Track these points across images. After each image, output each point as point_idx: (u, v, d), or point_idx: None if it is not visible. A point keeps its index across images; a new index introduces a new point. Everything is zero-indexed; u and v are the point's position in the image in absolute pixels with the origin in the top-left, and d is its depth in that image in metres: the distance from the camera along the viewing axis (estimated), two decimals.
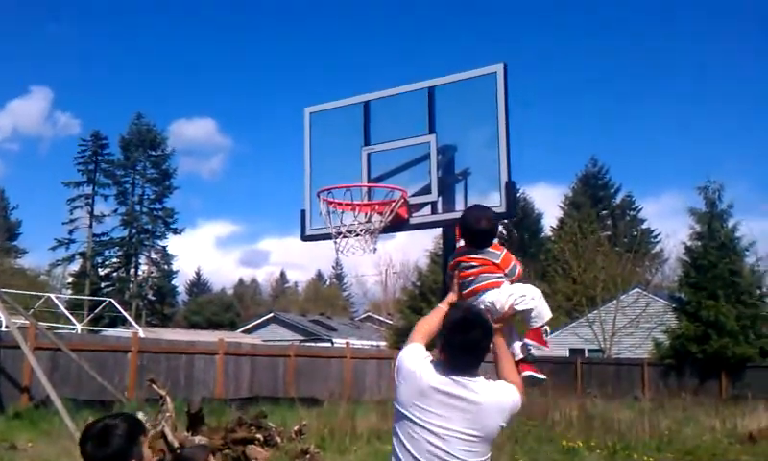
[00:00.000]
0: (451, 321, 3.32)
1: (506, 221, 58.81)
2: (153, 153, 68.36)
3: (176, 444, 9.96)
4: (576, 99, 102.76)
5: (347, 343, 29.54)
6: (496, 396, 3.29)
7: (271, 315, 47.60)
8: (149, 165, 68.44)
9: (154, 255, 68.39)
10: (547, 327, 3.94)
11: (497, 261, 3.87)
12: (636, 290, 38.93)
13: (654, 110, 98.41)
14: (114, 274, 68.21)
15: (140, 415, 10.66)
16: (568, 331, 39.54)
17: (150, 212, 68.26)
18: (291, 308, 62.48)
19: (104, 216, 67.48)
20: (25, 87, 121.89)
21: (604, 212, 64.23)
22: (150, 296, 67.68)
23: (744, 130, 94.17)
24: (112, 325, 44.49)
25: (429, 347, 3.51)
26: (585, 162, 69.17)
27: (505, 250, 3.95)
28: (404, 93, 5.50)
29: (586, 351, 37.33)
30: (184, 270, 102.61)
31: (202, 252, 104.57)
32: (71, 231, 66.17)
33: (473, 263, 3.87)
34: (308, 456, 11.45)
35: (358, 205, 5.18)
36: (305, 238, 5.79)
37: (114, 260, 68.34)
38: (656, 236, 60.03)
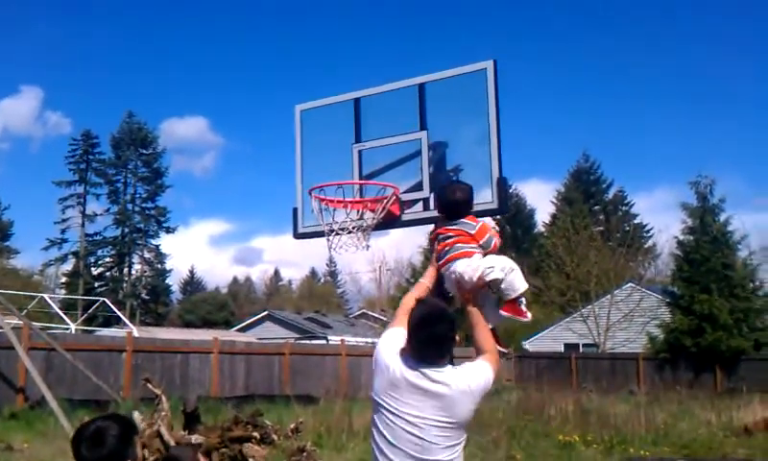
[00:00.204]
0: (417, 316, 3.40)
1: (498, 217, 59.00)
2: (144, 151, 68.22)
3: (172, 443, 9.95)
4: (567, 94, 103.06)
5: (341, 340, 29.54)
6: (464, 382, 3.34)
7: (265, 313, 47.55)
8: (140, 164, 68.33)
9: (147, 255, 68.32)
10: (524, 299, 4.01)
11: (472, 232, 4.01)
12: (630, 285, 39.04)
13: (645, 106, 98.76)
14: (108, 273, 68.07)
15: (136, 414, 10.66)
16: (562, 326, 39.67)
17: (142, 211, 68.13)
18: (285, 306, 62.41)
19: (96, 215, 67.41)
20: (15, 87, 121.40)
21: (596, 207, 64.37)
22: (144, 295, 67.58)
23: (735, 124, 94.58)
24: (106, 324, 44.38)
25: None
26: (576, 158, 69.26)
27: (481, 222, 4.09)
28: (395, 90, 5.49)
29: (580, 346, 37.45)
30: (178, 269, 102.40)
31: (195, 250, 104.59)
32: (63, 231, 66.08)
33: (450, 234, 4.03)
34: (305, 454, 11.45)
35: (350, 202, 5.17)
36: (298, 236, 5.78)
37: (107, 260, 68.24)
38: (648, 231, 60.21)
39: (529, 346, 39.30)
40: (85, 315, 43.14)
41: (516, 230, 66.98)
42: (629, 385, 27.86)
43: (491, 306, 4.00)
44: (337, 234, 5.15)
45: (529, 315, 4.04)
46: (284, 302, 72.49)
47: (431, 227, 4.79)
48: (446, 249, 4.02)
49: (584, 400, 19.05)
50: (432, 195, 5.15)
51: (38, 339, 17.07)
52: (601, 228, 52.33)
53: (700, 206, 33.10)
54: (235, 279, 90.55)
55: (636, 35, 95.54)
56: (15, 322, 18.71)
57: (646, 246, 55.08)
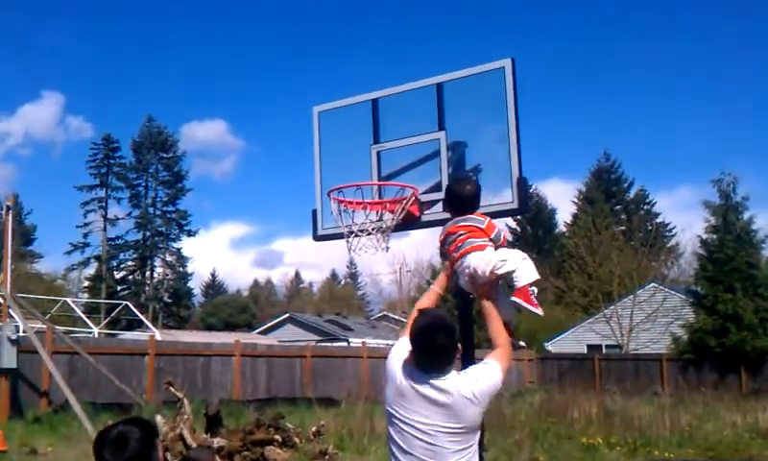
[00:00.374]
0: (417, 328, 3.45)
1: (519, 217, 58.80)
2: (164, 155, 68.69)
3: (194, 446, 9.99)
4: (587, 93, 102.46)
5: (363, 342, 29.56)
6: (469, 389, 3.36)
7: (286, 316, 47.63)
8: (161, 168, 68.83)
9: (168, 258, 68.78)
10: (534, 289, 4.02)
11: (482, 227, 4.07)
12: (653, 285, 38.75)
13: (666, 103, 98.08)
14: (130, 277, 68.65)
15: (158, 418, 10.72)
16: (585, 327, 39.42)
17: (163, 215, 68.62)
18: (306, 309, 62.54)
19: (117, 219, 68.00)
20: (37, 92, 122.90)
21: (618, 207, 63.99)
22: (166, 298, 68.01)
23: (758, 121, 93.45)
24: (129, 328, 44.64)
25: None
26: (597, 157, 68.88)
27: (489, 218, 4.16)
28: (413, 90, 5.45)
29: (603, 348, 37.20)
30: (199, 272, 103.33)
31: (216, 253, 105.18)
32: (86, 235, 66.59)
33: (461, 232, 4.08)
34: (327, 457, 11.45)
35: (369, 203, 5.14)
36: (317, 238, 5.76)
37: (129, 263, 68.85)
38: (671, 230, 59.79)
39: (551, 347, 39.10)
40: (108, 319, 43.42)
41: (536, 231, 66.79)
42: (653, 386, 27.59)
43: (504, 301, 4.03)
44: (356, 236, 5.11)
45: (540, 310, 4.02)
46: (305, 304, 72.66)
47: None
48: (459, 245, 4.06)
49: (607, 402, 18.89)
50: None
51: (62, 343, 17.20)
52: (623, 227, 52.07)
53: (723, 205, 32.76)
54: (256, 282, 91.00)
55: (657, 33, 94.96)
56: (39, 326, 18.88)
57: (669, 245, 54.67)
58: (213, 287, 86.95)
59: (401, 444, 3.44)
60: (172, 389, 11.21)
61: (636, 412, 17.02)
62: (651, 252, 43.09)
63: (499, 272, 3.92)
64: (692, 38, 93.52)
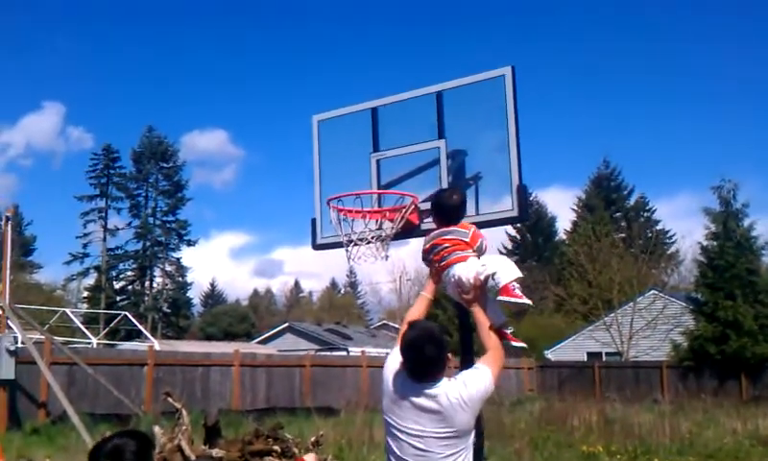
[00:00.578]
0: (406, 340, 3.52)
1: (519, 225, 58.87)
2: (165, 165, 68.71)
3: (192, 457, 9.93)
4: (587, 101, 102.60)
5: (362, 351, 29.45)
6: (458, 395, 3.42)
7: (286, 325, 47.55)
8: (161, 177, 68.84)
9: (168, 268, 68.71)
10: (517, 284, 4.09)
11: (467, 240, 4.16)
12: (653, 292, 38.68)
13: (665, 111, 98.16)
14: (129, 287, 68.55)
15: (157, 429, 10.66)
16: (585, 335, 39.35)
17: (163, 224, 68.58)
18: (306, 318, 62.46)
19: (117, 229, 67.93)
20: (38, 103, 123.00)
21: (618, 214, 64.04)
22: (165, 308, 67.88)
23: (758, 127, 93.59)
24: (128, 338, 44.53)
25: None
26: (597, 164, 68.98)
27: (473, 228, 4.24)
28: (412, 98, 5.45)
29: (603, 355, 37.11)
30: (199, 281, 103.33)
31: (216, 263, 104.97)
32: (85, 246, 66.53)
33: (446, 244, 4.17)
34: None
35: (369, 212, 5.12)
36: (317, 247, 5.74)
37: (129, 273, 68.76)
38: (671, 237, 59.76)
39: (551, 355, 39.03)
40: (107, 329, 43.33)
41: (536, 239, 66.80)
42: (653, 394, 27.50)
43: (493, 307, 4.12)
44: (356, 245, 5.10)
45: (527, 299, 4.07)
46: (305, 313, 72.57)
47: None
48: (444, 256, 4.17)
49: (607, 410, 18.84)
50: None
51: (60, 354, 17.16)
52: (623, 234, 52.09)
53: (723, 211, 32.71)
54: (256, 292, 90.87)
55: (656, 39, 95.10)
56: (37, 336, 18.83)
57: (669, 252, 54.60)
58: (213, 297, 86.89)
59: (397, 451, 3.53)
60: (170, 400, 11.15)
61: (637, 420, 16.97)
62: (651, 259, 43.05)
63: (482, 276, 4.02)
64: (692, 44, 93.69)
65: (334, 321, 55.41)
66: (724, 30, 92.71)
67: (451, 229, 4.20)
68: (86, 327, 35.06)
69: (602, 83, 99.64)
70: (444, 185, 5.07)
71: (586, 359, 36.89)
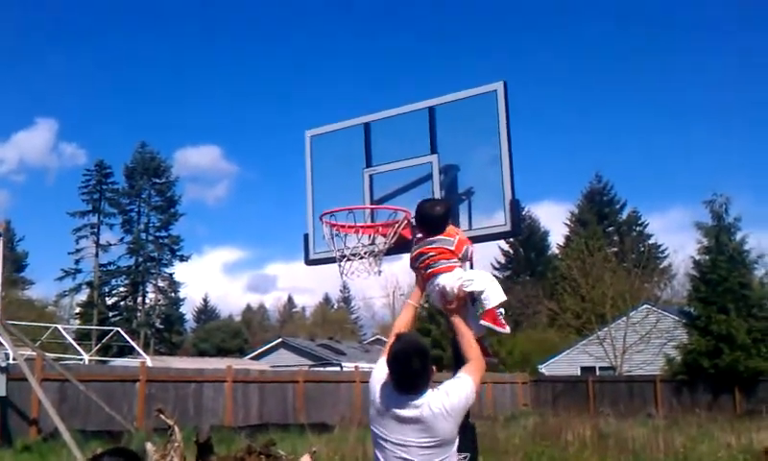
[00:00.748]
0: (392, 353, 3.57)
1: (511, 239, 58.89)
2: (157, 180, 68.54)
3: None
4: (579, 115, 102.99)
5: (356, 367, 29.37)
6: (440, 404, 3.46)
7: (279, 340, 47.39)
8: (154, 193, 68.64)
9: (161, 283, 68.39)
10: (502, 310, 4.21)
11: (452, 248, 4.21)
12: (646, 306, 38.75)
13: (657, 125, 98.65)
14: (122, 303, 68.18)
15: (149, 446, 10.59)
16: (579, 350, 39.35)
17: (156, 240, 68.31)
18: (299, 333, 62.27)
19: (110, 245, 67.60)
20: (30, 119, 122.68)
21: (610, 228, 64.19)
22: (158, 324, 67.50)
23: (750, 141, 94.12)
24: (120, 354, 44.39)
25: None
26: (589, 179, 69.16)
27: (458, 236, 4.30)
28: (405, 114, 5.47)
29: (597, 369, 37.12)
30: (192, 297, 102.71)
31: (209, 278, 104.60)
32: (77, 261, 66.19)
33: (431, 253, 4.22)
34: None
35: (361, 227, 5.12)
36: (309, 262, 5.74)
37: (121, 289, 68.32)
38: (663, 251, 59.92)
39: (545, 370, 38.98)
40: (99, 345, 43.12)
41: (529, 253, 66.85)
42: (647, 408, 27.50)
43: (473, 318, 4.18)
44: (349, 260, 5.09)
45: (507, 328, 4.22)
46: (298, 329, 72.37)
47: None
48: (429, 264, 4.22)
49: (601, 425, 18.79)
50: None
51: (52, 370, 17.04)
52: (615, 249, 52.16)
53: (715, 226, 32.84)
54: (249, 307, 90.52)
55: (648, 54, 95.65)
56: (29, 353, 18.70)
57: (661, 266, 54.74)
58: (205, 312, 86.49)
59: (382, 459, 3.58)
60: (162, 416, 11.09)
61: (631, 434, 16.91)
62: (644, 273, 43.14)
63: (467, 289, 4.10)
64: (684, 59, 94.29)
65: (327, 336, 55.31)
66: (715, 44, 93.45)
67: (437, 237, 4.23)
68: (78, 344, 34.78)
69: (594, 97, 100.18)
70: None
71: (579, 374, 36.89)
